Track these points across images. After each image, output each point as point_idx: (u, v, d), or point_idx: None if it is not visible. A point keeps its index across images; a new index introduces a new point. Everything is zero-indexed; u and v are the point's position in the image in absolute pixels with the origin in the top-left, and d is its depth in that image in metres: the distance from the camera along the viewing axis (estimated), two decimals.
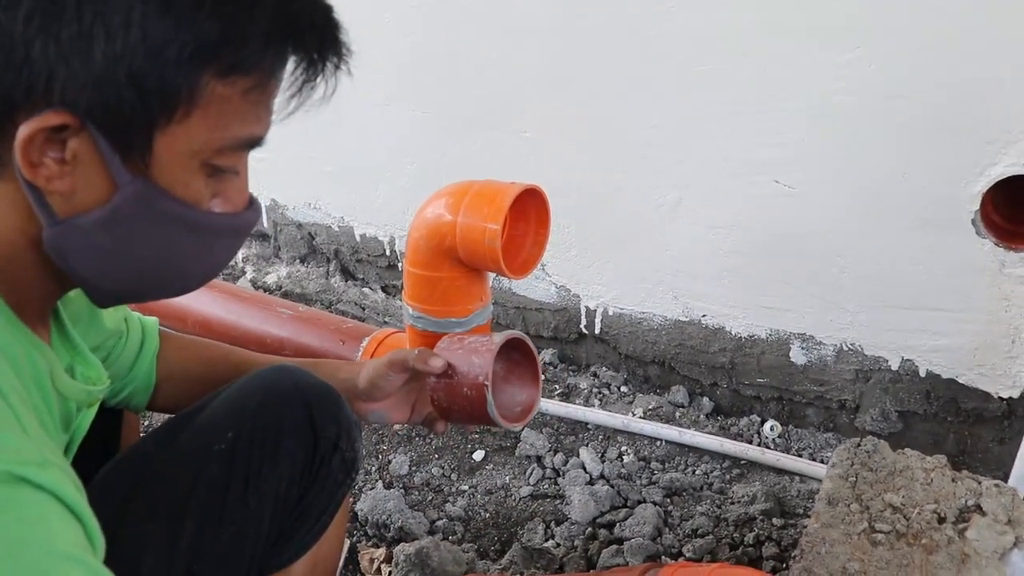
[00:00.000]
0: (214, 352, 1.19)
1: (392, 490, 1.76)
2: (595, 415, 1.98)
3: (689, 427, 1.95)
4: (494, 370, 1.08)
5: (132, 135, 0.67)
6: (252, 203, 0.81)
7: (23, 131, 0.64)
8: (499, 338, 1.11)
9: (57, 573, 0.56)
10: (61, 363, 0.84)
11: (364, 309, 2.54)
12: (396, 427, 1.84)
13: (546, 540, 1.65)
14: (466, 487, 1.82)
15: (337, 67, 0.75)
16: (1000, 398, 1.71)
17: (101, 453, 1.05)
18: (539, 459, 1.89)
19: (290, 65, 0.73)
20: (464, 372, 1.09)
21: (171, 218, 0.72)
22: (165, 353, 1.13)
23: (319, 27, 0.73)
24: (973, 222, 1.59)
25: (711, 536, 1.62)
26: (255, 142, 0.75)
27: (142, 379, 1.10)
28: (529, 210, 1.55)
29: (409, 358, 1.11)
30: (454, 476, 1.85)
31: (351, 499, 1.74)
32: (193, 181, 0.72)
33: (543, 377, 2.15)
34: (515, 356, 1.18)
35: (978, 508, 1.31)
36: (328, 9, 0.74)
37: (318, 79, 0.74)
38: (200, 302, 2.07)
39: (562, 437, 1.96)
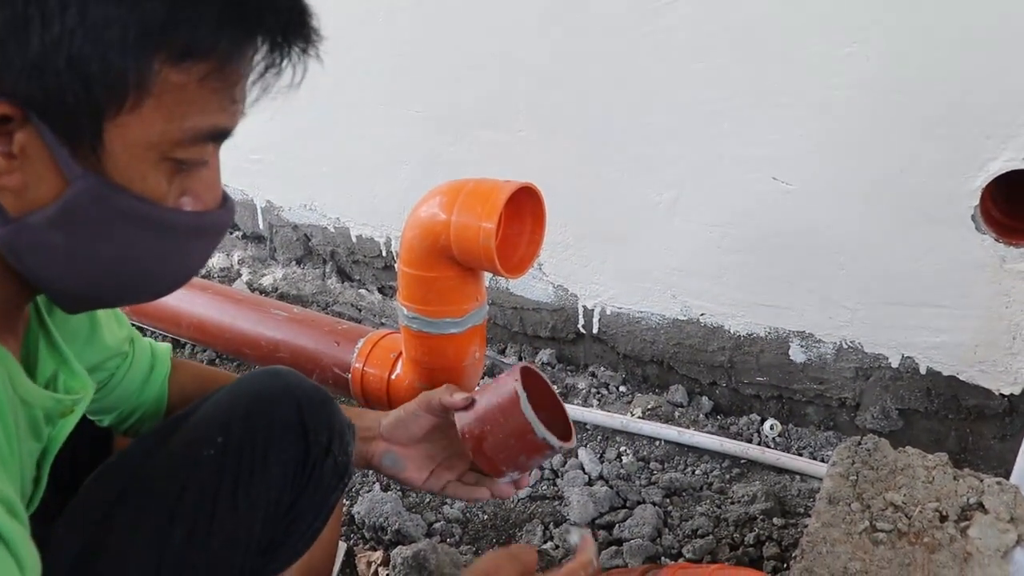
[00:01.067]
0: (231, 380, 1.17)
1: (389, 492, 1.75)
2: (593, 415, 1.97)
3: (688, 427, 1.94)
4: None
5: (79, 125, 0.63)
6: (225, 201, 0.77)
7: None
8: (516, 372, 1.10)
9: None
10: (45, 371, 0.83)
11: (361, 311, 2.52)
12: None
13: (545, 542, 1.64)
14: None
15: (304, 52, 0.70)
16: (1001, 395, 1.70)
17: (91, 460, 1.04)
18: None
19: (251, 49, 0.68)
20: (491, 400, 1.08)
21: (129, 216, 0.68)
22: (180, 379, 1.11)
23: (282, 9, 0.68)
24: (973, 218, 1.58)
25: (711, 536, 1.61)
26: (221, 134, 0.71)
27: (151, 404, 1.08)
28: (524, 209, 1.54)
29: (436, 396, 1.11)
30: None
31: (348, 502, 1.73)
32: (152, 176, 0.68)
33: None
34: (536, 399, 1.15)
35: (980, 506, 1.30)
36: None
37: (283, 64, 0.70)
38: (194, 304, 2.05)
39: None
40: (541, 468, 1.84)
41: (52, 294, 0.75)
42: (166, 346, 1.13)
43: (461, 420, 1.09)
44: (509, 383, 1.09)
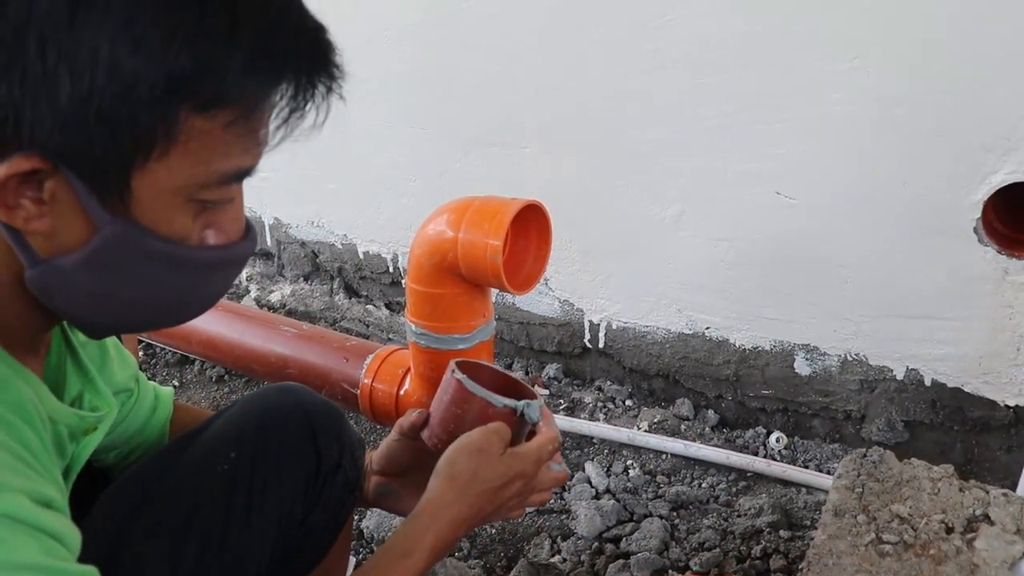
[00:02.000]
0: None
1: None
2: (600, 429, 1.98)
3: (695, 440, 1.94)
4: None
5: (107, 176, 0.64)
6: (248, 232, 0.78)
7: None
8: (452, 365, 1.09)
9: None
10: (72, 390, 0.85)
11: (368, 326, 2.54)
12: None
13: (552, 556, 1.65)
14: None
15: (329, 91, 0.70)
16: (1007, 406, 1.70)
17: (105, 476, 1.05)
18: None
19: (277, 93, 0.68)
20: (441, 400, 1.07)
21: (156, 257, 0.70)
22: (182, 420, 1.12)
23: (305, 52, 0.68)
24: (975, 230, 1.59)
25: (718, 549, 1.61)
26: (243, 174, 0.72)
27: (152, 444, 1.09)
28: (530, 225, 1.55)
29: (402, 422, 1.11)
30: None
31: (357, 517, 1.74)
32: (178, 218, 0.69)
33: (545, 394, 2.15)
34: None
35: (986, 517, 1.30)
36: (317, 31, 0.69)
37: (307, 106, 0.70)
38: (204, 321, 2.07)
39: (567, 452, 1.96)
40: None
41: (79, 325, 0.77)
42: (169, 390, 1.14)
43: (426, 435, 1.08)
44: (447, 377, 1.07)
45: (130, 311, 0.75)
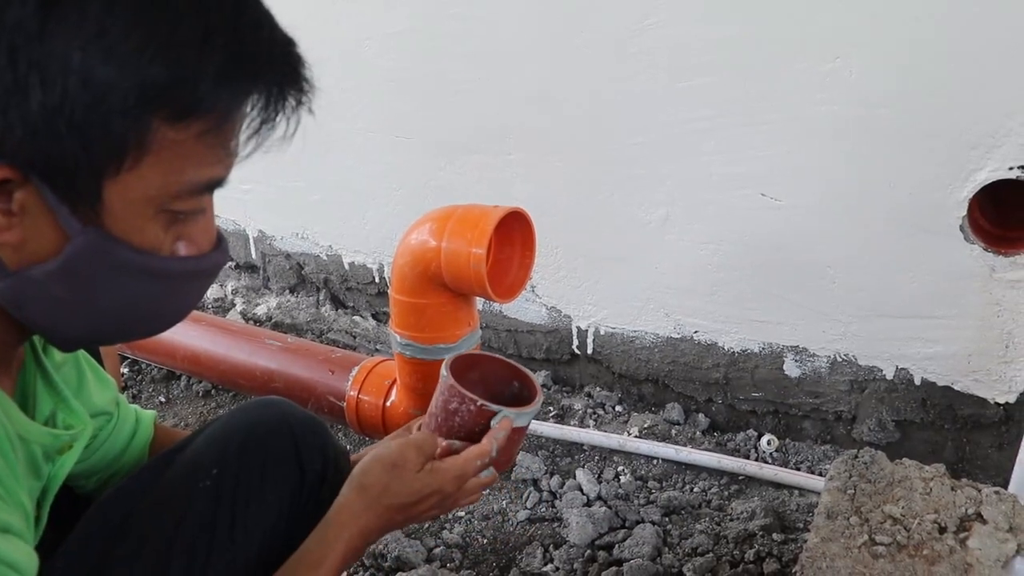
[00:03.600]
0: None
1: None
2: (590, 436, 1.97)
3: (685, 444, 1.93)
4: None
5: (79, 185, 0.64)
6: (219, 242, 0.78)
7: None
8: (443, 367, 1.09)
9: None
10: (43, 409, 0.84)
11: (355, 337, 2.53)
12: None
13: (545, 564, 1.64)
14: (463, 513, 1.80)
15: (299, 104, 0.71)
16: (997, 403, 1.70)
17: (87, 497, 1.03)
18: (535, 482, 1.87)
19: (248, 104, 0.69)
20: (444, 407, 1.07)
21: (129, 267, 0.69)
22: (164, 443, 1.10)
23: (277, 64, 0.69)
24: (961, 228, 1.59)
25: (711, 554, 1.61)
26: (214, 184, 0.72)
27: (132, 469, 1.07)
28: (514, 233, 1.55)
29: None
30: None
31: None
32: (150, 228, 0.69)
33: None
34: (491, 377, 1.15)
35: (979, 516, 1.30)
36: (287, 43, 0.70)
37: (278, 118, 0.70)
38: (188, 336, 2.05)
39: (558, 459, 1.95)
40: (540, 490, 1.84)
41: (49, 337, 0.76)
42: (151, 413, 1.13)
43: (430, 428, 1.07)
44: (441, 384, 1.07)
45: (102, 322, 0.75)
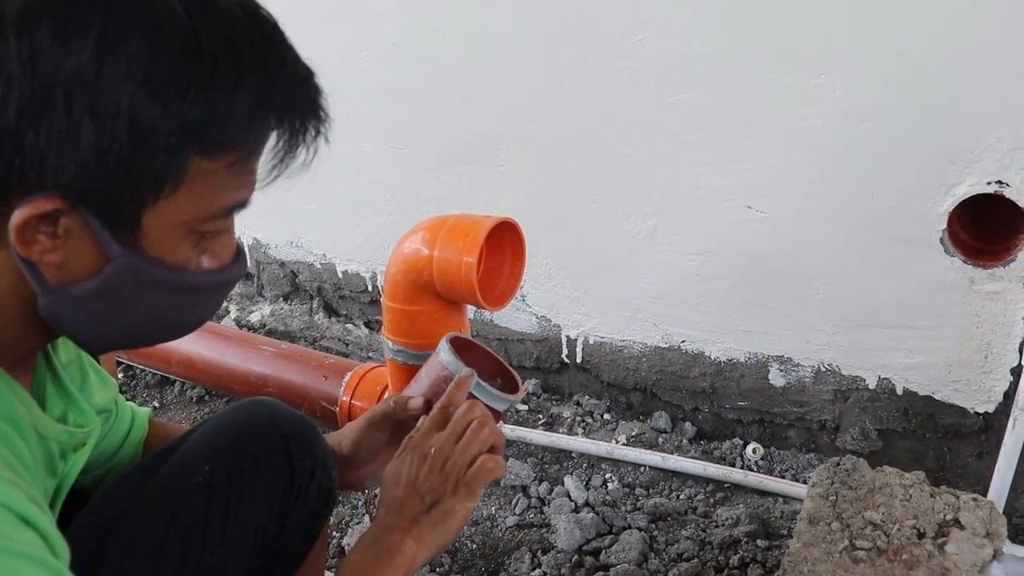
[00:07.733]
0: None
1: None
2: (579, 443, 1.99)
3: (672, 452, 1.96)
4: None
5: (121, 213, 0.69)
6: (239, 255, 0.83)
7: (17, 216, 0.66)
8: (443, 342, 1.13)
9: (16, 571, 0.60)
10: (54, 410, 0.87)
11: (348, 345, 2.55)
12: None
13: (533, 569, 1.66)
14: None
15: (318, 133, 0.77)
16: (976, 413, 1.73)
17: (83, 495, 1.05)
18: (524, 488, 1.89)
19: (273, 136, 0.75)
20: (436, 384, 1.11)
21: (162, 284, 0.75)
22: (158, 438, 1.14)
23: (300, 100, 0.75)
24: (941, 240, 1.62)
25: (696, 560, 1.63)
26: (240, 206, 0.77)
27: (127, 465, 1.10)
28: (504, 243, 1.57)
29: (388, 410, 1.14)
30: None
31: (337, 534, 1.74)
32: (181, 247, 0.75)
33: (524, 410, 2.16)
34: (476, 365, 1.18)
35: (957, 522, 1.33)
36: (309, 78, 0.76)
37: (299, 148, 0.77)
38: (183, 342, 2.07)
39: (547, 466, 1.97)
40: (528, 497, 1.86)
41: (80, 342, 0.81)
42: (146, 410, 1.16)
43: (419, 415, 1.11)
44: (448, 363, 1.11)
45: (131, 331, 0.80)
